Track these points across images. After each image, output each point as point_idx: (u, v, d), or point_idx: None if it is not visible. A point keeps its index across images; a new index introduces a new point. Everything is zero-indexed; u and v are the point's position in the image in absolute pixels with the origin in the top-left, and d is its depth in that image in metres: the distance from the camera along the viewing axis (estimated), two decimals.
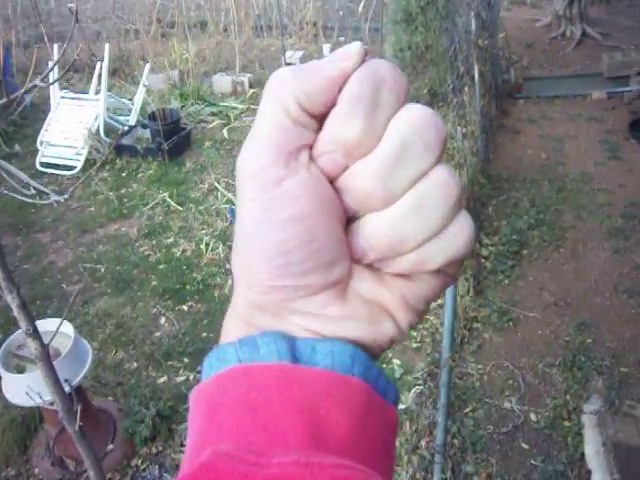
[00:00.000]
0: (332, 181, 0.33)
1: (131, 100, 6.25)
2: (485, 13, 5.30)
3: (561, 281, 3.94)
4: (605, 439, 2.73)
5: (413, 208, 0.32)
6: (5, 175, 1.31)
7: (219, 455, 0.30)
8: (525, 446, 2.93)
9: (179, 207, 5.01)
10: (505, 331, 3.59)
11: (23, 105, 6.57)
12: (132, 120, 6.03)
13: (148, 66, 6.14)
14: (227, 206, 4.74)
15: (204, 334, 3.70)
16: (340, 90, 0.32)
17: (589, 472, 2.67)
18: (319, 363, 0.33)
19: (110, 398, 3.29)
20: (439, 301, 2.89)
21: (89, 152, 5.60)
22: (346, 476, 0.29)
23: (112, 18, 8.49)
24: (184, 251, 4.48)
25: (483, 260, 4.12)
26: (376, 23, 7.02)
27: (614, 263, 4.06)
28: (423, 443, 2.91)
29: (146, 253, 4.52)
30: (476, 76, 4.76)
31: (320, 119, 0.33)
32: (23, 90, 1.16)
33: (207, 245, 4.43)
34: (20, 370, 2.55)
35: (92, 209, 5.16)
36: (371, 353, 0.35)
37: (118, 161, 5.75)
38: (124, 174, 5.62)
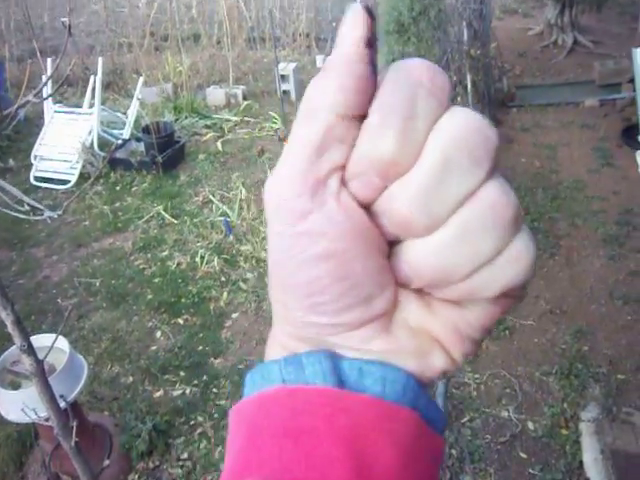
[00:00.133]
0: (369, 205, 0.29)
1: (125, 113, 6.26)
2: (477, 23, 5.34)
3: (556, 289, 3.94)
4: (603, 447, 2.72)
5: (458, 235, 0.28)
6: None
7: None
8: (523, 455, 2.92)
9: (174, 220, 5.00)
10: (501, 340, 3.58)
11: (17, 119, 6.57)
12: (126, 134, 6.03)
13: (142, 79, 6.15)
14: (222, 218, 4.74)
15: (200, 347, 3.68)
16: (371, 62, 0.28)
17: None
18: (368, 389, 0.30)
19: (106, 413, 3.26)
20: None
21: (83, 166, 5.60)
22: None
23: (105, 32, 8.52)
24: (179, 264, 4.47)
25: None
26: None
27: (609, 270, 4.06)
28: None
29: (141, 267, 4.51)
30: (469, 86, 4.79)
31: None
32: (17, 105, 1.17)
33: (202, 258, 4.42)
34: (15, 386, 2.53)
35: (87, 223, 5.15)
36: (419, 383, 0.32)
37: (112, 175, 5.75)
38: (118, 187, 5.62)
